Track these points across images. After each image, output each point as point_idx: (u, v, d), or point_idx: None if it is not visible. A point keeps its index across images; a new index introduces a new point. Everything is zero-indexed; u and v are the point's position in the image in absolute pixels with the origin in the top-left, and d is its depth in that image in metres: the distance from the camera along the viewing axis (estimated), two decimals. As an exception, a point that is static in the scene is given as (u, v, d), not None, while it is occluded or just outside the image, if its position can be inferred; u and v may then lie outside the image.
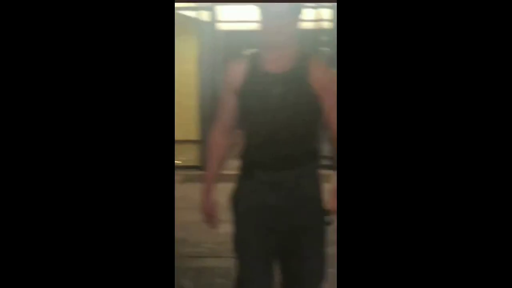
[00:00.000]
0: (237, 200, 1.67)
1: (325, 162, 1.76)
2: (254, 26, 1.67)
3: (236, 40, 6.24)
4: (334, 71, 1.46)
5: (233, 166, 1.74)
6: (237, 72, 1.64)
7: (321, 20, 6.18)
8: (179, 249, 2.26)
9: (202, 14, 5.69)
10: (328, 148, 2.32)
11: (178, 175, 3.67)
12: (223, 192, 1.74)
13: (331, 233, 1.63)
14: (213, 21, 5.73)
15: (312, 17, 6.10)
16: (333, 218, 1.61)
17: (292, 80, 1.58)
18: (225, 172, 1.77)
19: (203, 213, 1.76)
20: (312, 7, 5.82)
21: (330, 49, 6.43)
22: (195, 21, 5.78)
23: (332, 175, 1.61)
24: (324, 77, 1.62)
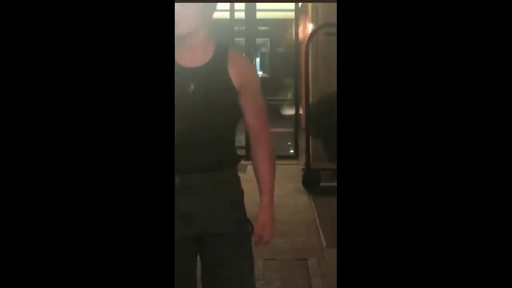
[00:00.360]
0: None
1: (240, 152, 1.73)
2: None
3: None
4: (252, 64, 1.43)
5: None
6: None
7: (234, 10, 6.20)
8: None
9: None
10: (242, 138, 2.29)
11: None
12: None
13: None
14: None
15: (226, 6, 6.09)
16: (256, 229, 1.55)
17: (210, 75, 1.48)
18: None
19: None
20: None
21: (244, 40, 6.50)
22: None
23: (247, 166, 1.60)
24: (244, 71, 1.52)
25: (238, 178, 1.58)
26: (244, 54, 5.95)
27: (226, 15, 6.08)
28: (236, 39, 6.63)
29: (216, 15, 1.62)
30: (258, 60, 9.10)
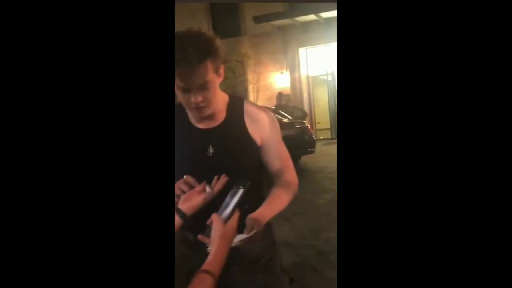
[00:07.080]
0: None
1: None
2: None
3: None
4: (270, 114, 1.44)
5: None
6: None
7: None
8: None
9: (329, 76, 11.78)
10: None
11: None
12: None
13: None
14: (333, 80, 11.73)
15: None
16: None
17: (228, 134, 1.37)
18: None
19: None
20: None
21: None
22: (325, 81, 11.79)
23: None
24: (263, 124, 1.40)
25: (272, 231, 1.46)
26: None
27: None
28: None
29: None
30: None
